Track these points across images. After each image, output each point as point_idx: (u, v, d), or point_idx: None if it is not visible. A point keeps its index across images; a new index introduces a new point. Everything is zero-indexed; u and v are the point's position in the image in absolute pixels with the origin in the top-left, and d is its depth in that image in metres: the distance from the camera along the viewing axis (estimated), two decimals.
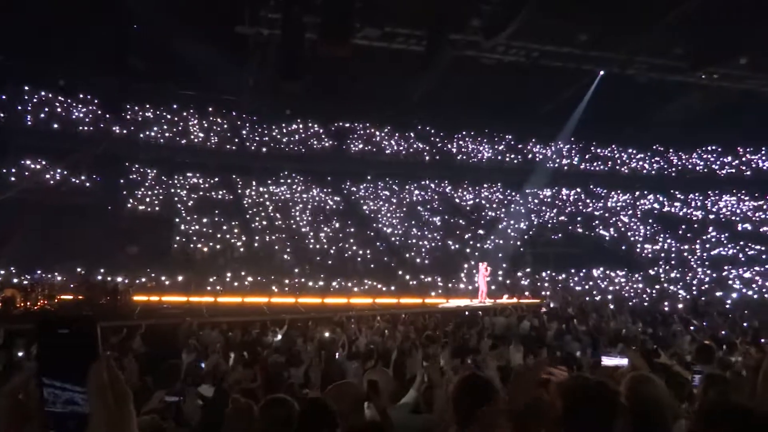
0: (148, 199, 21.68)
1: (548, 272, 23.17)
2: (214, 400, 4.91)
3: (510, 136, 30.02)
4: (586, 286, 22.23)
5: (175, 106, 24.73)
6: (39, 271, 16.07)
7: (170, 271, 17.57)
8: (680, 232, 27.24)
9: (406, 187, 27.92)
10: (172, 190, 23.00)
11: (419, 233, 24.52)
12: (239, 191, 24.55)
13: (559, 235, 26.06)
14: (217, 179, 24.39)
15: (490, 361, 4.42)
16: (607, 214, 28.74)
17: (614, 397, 1.82)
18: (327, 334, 10.27)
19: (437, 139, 29.03)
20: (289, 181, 25.93)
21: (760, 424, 1.52)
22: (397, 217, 25.53)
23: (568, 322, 13.04)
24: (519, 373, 2.80)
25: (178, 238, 20.20)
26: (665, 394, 2.32)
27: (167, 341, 9.68)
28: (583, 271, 23.33)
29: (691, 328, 13.04)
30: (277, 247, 21.13)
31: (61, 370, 0.73)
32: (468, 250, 23.55)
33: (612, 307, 16.72)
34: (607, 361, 4.64)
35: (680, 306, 18.17)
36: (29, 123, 21.35)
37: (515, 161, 29.81)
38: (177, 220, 21.07)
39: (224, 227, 21.42)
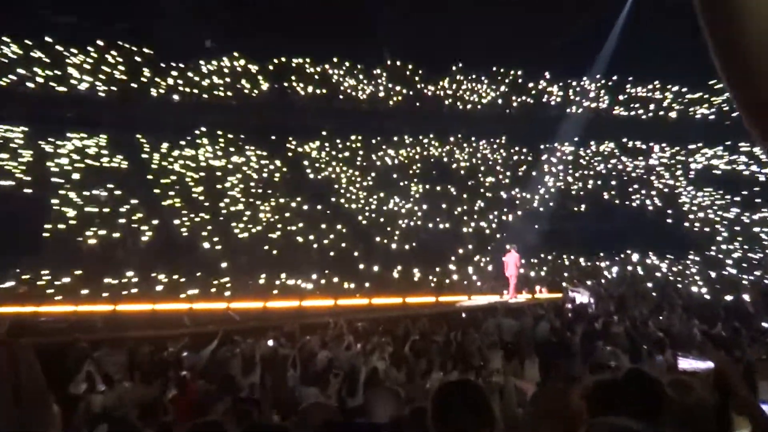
0: (11, 171, 21.11)
1: (571, 256, 23.74)
2: None
3: (517, 73, 30.13)
4: (622, 273, 22.88)
5: (48, 40, 23.66)
6: None
7: (49, 270, 17.42)
8: (748, 197, 27.74)
9: (374, 145, 28.06)
10: (47, 158, 22.33)
11: (395, 209, 24.92)
12: (143, 157, 24.25)
13: (585, 206, 26.61)
14: (109, 141, 23.94)
15: (508, 381, 4.40)
16: (648, 176, 29.47)
17: None
18: (271, 343, 10.33)
19: (417, 79, 29.01)
20: (212, 141, 25.64)
21: None
22: (364, 188, 25.83)
23: (601, 321, 13.38)
24: (544, 397, 2.81)
25: (56, 224, 19.82)
26: None
27: (50, 370, 9.46)
28: (618, 253, 24.00)
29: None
30: (199, 234, 21.12)
31: None
32: (465, 230, 23.97)
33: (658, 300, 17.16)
34: (684, 364, 4.70)
35: (746, 297, 18.69)
36: None
37: (524, 107, 30.07)
38: (54, 200, 20.66)
39: (122, 207, 21.23)
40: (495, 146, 29.66)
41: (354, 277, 20.10)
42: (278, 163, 25.93)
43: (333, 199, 24.86)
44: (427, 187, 26.40)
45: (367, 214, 24.48)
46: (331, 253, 21.62)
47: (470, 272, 21.99)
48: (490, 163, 28.86)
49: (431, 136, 28.88)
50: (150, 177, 23.36)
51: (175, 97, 25.58)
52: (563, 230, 24.48)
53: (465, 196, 26.09)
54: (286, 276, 19.65)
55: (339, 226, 23.23)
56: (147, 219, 21.19)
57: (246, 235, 21.87)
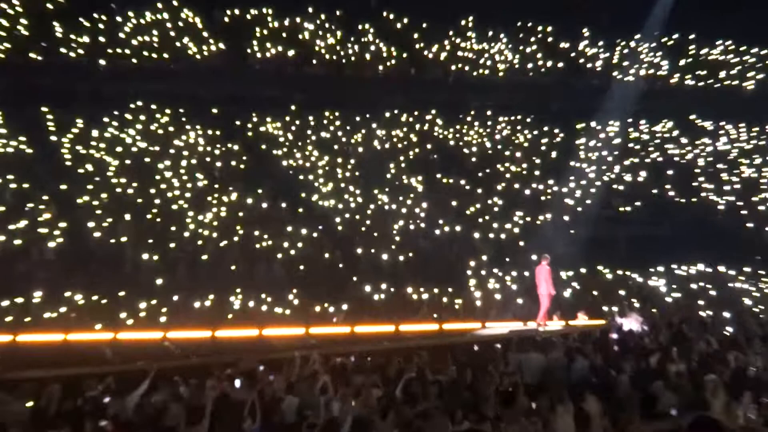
0: None
1: (618, 270, 23.61)
2: None
3: (547, 30, 30.47)
4: (684, 293, 22.90)
5: None
6: None
7: None
8: None
9: (358, 123, 28.10)
10: None
11: (386, 208, 24.96)
12: (50, 138, 24.34)
13: (636, 205, 26.68)
14: (4, 117, 23.99)
15: None
16: (719, 164, 29.39)
17: None
18: (222, 384, 10.52)
19: (415, 36, 29.16)
20: (144, 118, 25.64)
21: None
22: (345, 180, 25.87)
23: (657, 357, 13.33)
24: None
25: None
26: None
27: None
28: (679, 266, 23.87)
29: None
30: (124, 239, 21.06)
31: None
32: (478, 236, 23.95)
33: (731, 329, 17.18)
34: None
35: None
36: None
37: (556, 75, 30.25)
38: None
39: (24, 205, 21.09)
40: (518, 126, 29.81)
41: (332, 298, 19.96)
42: (232, 146, 25.86)
43: (303, 195, 24.73)
44: (429, 178, 26.46)
45: (348, 214, 24.33)
46: (302, 266, 21.57)
47: (485, 291, 21.89)
48: (512, 147, 28.88)
49: (433, 111, 29.01)
50: (60, 165, 23.32)
51: (96, 60, 25.43)
52: (607, 237, 24.59)
53: (479, 191, 26.12)
54: (242, 296, 19.55)
55: (311, 231, 23.16)
56: (56, 221, 20.93)
57: (189, 242, 21.64)
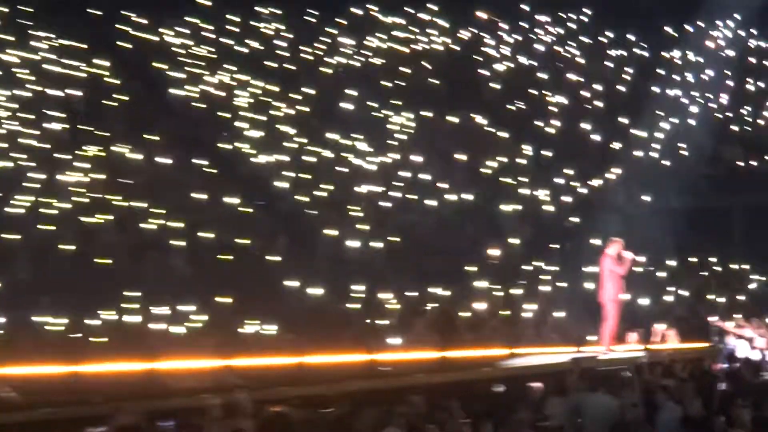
0: None
1: (730, 264, 24.11)
2: None
3: None
4: None
5: None
6: None
7: None
8: None
9: (311, 27, 28.16)
10: None
11: (355, 163, 25.85)
12: None
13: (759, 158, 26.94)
14: None
15: None
16: None
17: None
18: None
19: None
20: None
21: None
22: (287, 118, 26.15)
23: None
24: None
25: None
26: None
27: None
28: None
29: None
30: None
31: None
32: (503, 207, 23.66)
33: None
34: None
35: None
36: None
37: None
38: None
39: None
40: (566, 29, 30.73)
41: (265, 309, 20.55)
42: (100, 63, 25.60)
43: (221, 145, 24.95)
44: (425, 116, 26.55)
45: (293, 174, 24.69)
46: (219, 260, 21.86)
47: (514, 298, 21.79)
48: (562, 65, 29.65)
49: (433, 6, 28.99)
50: None
51: None
52: (714, 210, 24.51)
53: (505, 135, 26.53)
54: (119, 308, 19.59)
55: (232, 203, 23.44)
56: None
57: (24, 220, 21.26)
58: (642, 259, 22.26)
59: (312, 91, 26.59)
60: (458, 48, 28.91)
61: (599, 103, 27.54)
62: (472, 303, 22.35)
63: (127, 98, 24.84)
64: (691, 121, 27.43)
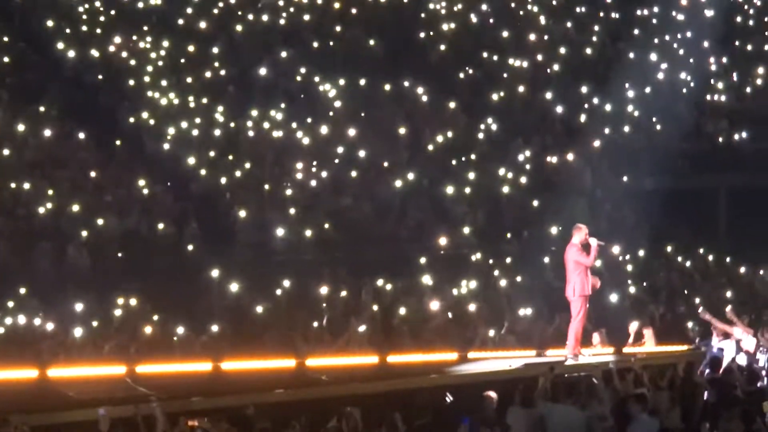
0: None
1: (714, 254, 24.57)
2: None
3: None
4: None
5: None
6: None
7: None
8: None
9: None
10: None
11: (279, 134, 25.37)
12: None
13: (750, 128, 27.64)
14: None
15: None
16: None
17: None
18: None
19: None
20: None
21: None
22: (198, 85, 26.55)
23: None
24: None
25: None
26: None
27: None
28: None
29: None
30: None
31: None
32: (450, 189, 24.23)
33: None
34: None
35: None
36: None
37: None
38: None
39: None
40: None
41: (176, 307, 21.05)
42: None
43: (124, 117, 25.08)
44: (362, 83, 26.71)
45: (209, 150, 24.83)
46: (121, 250, 22.81)
47: (465, 293, 22.37)
48: (518, 24, 29.66)
49: None
50: None
51: None
52: (694, 191, 25.66)
53: (452, 105, 26.60)
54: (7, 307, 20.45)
55: (137, 182, 24.09)
56: None
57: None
58: (615, 250, 22.39)
59: (228, 53, 26.68)
60: (400, 2, 29.23)
61: (562, 69, 27.90)
62: (417, 299, 22.45)
63: (7, 60, 25.22)
64: (669, 91, 27.70)
